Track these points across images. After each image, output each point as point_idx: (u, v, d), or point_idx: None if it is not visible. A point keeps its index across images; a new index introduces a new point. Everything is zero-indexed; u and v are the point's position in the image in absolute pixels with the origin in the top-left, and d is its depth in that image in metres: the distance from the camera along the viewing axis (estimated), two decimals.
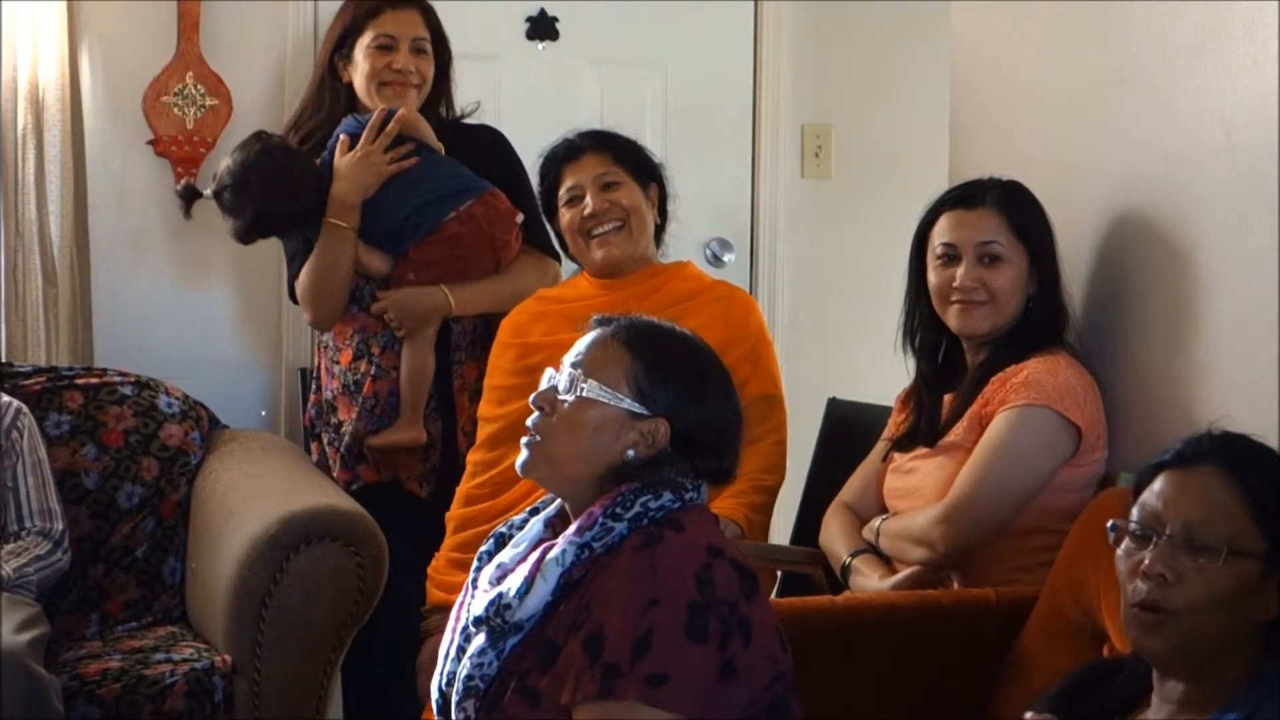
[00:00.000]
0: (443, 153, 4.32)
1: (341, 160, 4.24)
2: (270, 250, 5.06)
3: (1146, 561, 2.34)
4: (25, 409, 4.17)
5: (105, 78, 4.98)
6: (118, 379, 4.46)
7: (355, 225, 4.24)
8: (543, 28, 5.43)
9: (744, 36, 5.66)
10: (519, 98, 5.10)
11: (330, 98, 4.41)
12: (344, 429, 4.31)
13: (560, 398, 2.68)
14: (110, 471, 4.32)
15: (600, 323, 2.78)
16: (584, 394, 2.66)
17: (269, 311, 5.16)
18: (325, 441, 4.40)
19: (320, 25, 5.15)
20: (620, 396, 2.67)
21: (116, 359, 4.72)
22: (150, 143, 5.01)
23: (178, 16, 5.00)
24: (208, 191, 4.31)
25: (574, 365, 2.70)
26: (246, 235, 4.32)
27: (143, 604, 4.28)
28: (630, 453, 2.67)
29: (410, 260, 4.27)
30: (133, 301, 5.02)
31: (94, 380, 4.43)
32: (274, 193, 4.23)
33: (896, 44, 5.69)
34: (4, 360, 4.62)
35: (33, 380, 4.37)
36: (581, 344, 2.74)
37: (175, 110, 5.00)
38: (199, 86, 5.02)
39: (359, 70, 4.36)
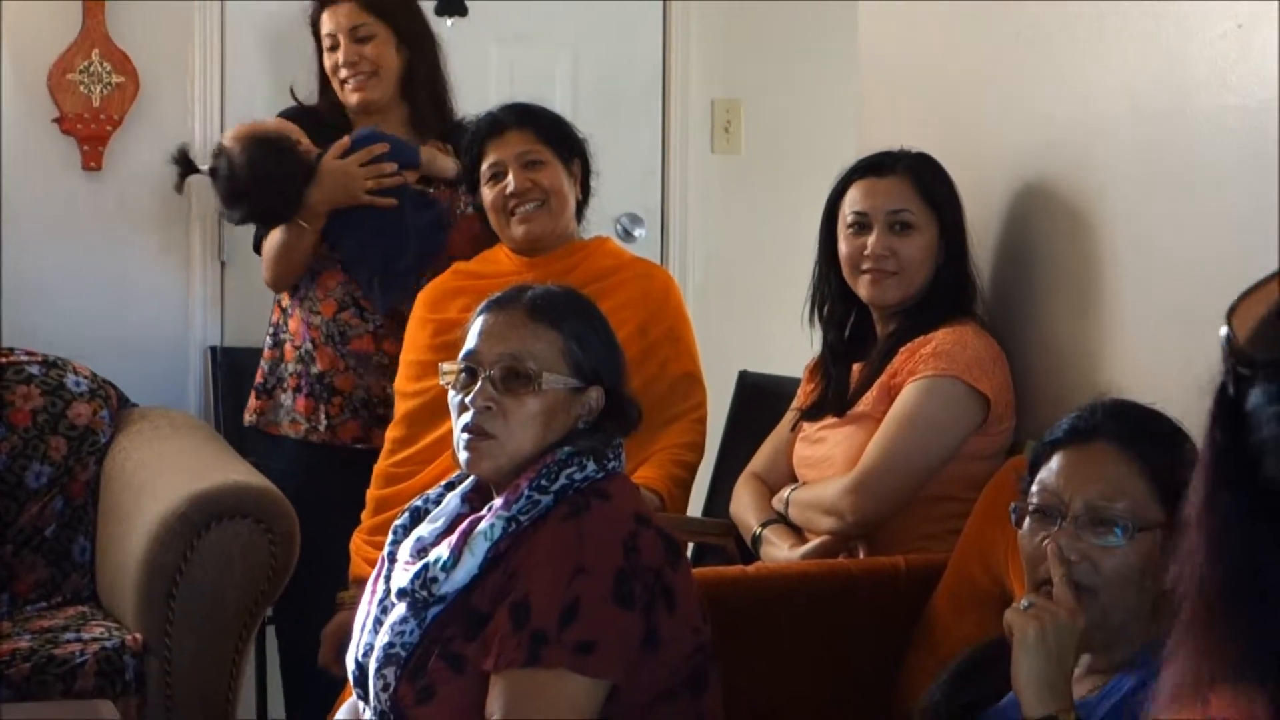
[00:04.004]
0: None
1: (330, 163, 4.23)
2: (179, 229, 5.03)
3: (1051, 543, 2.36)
4: None
5: (10, 55, 4.92)
6: (24, 358, 4.42)
7: (317, 230, 4.22)
8: (452, 4, 5.40)
9: (653, 12, 5.65)
10: None
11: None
12: (327, 377, 4.27)
13: (500, 392, 2.65)
14: (18, 451, 4.29)
15: (497, 303, 2.76)
16: (542, 388, 2.65)
17: (178, 290, 5.12)
18: (296, 392, 4.32)
19: (228, 3, 5.12)
20: (565, 379, 2.67)
21: (24, 338, 4.67)
22: (56, 120, 4.96)
23: None
24: (204, 168, 4.30)
25: (513, 356, 2.67)
26: (238, 221, 4.38)
27: (52, 584, 4.25)
28: (580, 425, 2.69)
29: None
30: (40, 280, 4.96)
31: (0, 360, 4.40)
32: (265, 194, 4.20)
33: (805, 18, 5.69)
34: None
35: None
36: (498, 329, 2.70)
37: (81, 88, 4.95)
38: (105, 64, 4.97)
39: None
